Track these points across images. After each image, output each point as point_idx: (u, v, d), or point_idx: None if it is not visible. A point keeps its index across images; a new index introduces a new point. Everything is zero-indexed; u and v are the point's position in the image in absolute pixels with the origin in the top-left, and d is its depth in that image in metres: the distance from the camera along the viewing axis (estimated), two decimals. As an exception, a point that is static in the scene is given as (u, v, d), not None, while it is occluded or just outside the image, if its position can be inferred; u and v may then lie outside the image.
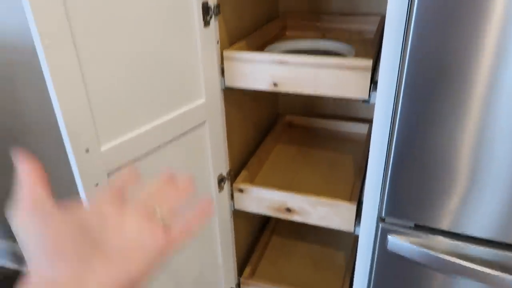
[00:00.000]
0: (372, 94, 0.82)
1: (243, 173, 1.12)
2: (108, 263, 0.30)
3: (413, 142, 0.72)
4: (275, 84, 0.87)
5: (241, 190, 1.07)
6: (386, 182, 0.78)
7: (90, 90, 0.64)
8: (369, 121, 1.37)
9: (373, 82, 0.83)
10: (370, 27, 1.22)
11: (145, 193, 0.36)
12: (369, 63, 0.79)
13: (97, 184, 0.69)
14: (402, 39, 0.71)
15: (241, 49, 0.95)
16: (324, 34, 1.26)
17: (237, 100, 1.09)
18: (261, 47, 1.10)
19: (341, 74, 0.81)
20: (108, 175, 0.71)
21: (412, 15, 0.63)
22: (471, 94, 0.65)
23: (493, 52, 0.60)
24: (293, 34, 1.30)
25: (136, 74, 0.72)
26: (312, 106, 1.49)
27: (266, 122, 1.41)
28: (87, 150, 0.66)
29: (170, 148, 0.84)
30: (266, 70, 0.86)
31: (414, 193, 0.76)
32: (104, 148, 0.69)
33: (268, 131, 1.42)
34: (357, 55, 0.98)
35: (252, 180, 1.15)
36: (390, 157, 0.76)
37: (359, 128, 1.40)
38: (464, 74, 0.63)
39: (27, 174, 0.29)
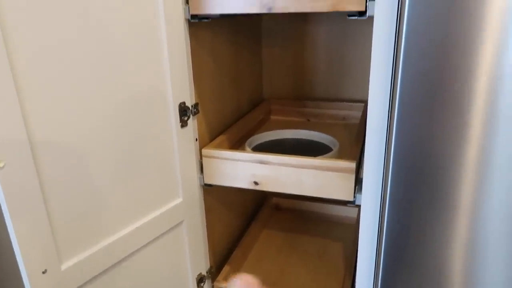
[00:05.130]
0: (358, 195, 0.78)
1: (226, 269, 1.05)
2: None
3: (403, 249, 0.68)
4: (256, 183, 0.83)
5: (222, 290, 0.99)
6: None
7: (50, 204, 0.60)
8: (358, 206, 1.32)
9: (358, 182, 0.80)
10: (354, 112, 1.22)
11: None
12: (352, 165, 0.76)
13: (54, 309, 0.62)
14: (385, 140, 0.68)
15: (221, 145, 0.92)
16: (308, 119, 1.26)
17: (220, 191, 1.04)
18: (245, 136, 1.08)
19: (324, 175, 0.78)
20: (69, 295, 0.64)
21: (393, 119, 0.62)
22: (457, 206, 0.61)
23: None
24: (278, 118, 1.29)
25: (107, 181, 0.68)
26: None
27: (252, 206, 1.35)
28: (44, 272, 0.60)
29: (142, 254, 0.78)
30: (247, 169, 0.83)
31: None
32: (65, 266, 0.63)
33: (254, 214, 1.36)
34: (341, 149, 0.96)
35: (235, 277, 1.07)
36: (380, 265, 0.71)
37: (348, 212, 1.36)
38: (450, 193, 0.61)
39: None
